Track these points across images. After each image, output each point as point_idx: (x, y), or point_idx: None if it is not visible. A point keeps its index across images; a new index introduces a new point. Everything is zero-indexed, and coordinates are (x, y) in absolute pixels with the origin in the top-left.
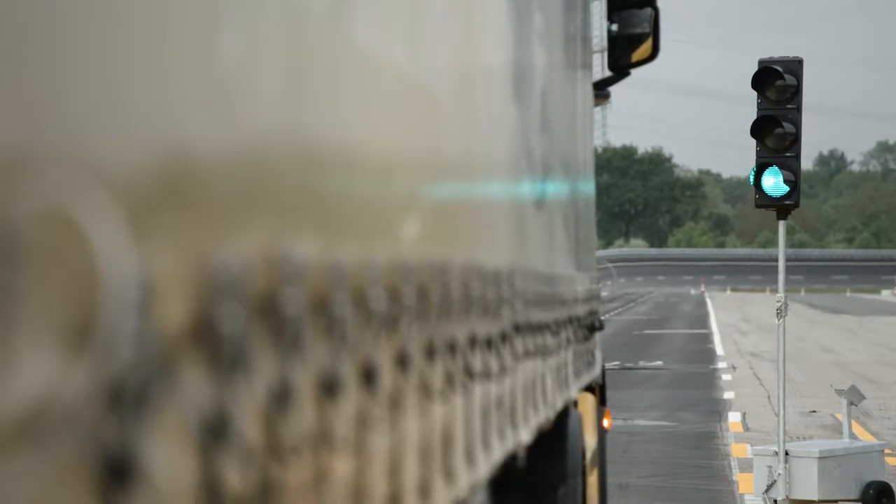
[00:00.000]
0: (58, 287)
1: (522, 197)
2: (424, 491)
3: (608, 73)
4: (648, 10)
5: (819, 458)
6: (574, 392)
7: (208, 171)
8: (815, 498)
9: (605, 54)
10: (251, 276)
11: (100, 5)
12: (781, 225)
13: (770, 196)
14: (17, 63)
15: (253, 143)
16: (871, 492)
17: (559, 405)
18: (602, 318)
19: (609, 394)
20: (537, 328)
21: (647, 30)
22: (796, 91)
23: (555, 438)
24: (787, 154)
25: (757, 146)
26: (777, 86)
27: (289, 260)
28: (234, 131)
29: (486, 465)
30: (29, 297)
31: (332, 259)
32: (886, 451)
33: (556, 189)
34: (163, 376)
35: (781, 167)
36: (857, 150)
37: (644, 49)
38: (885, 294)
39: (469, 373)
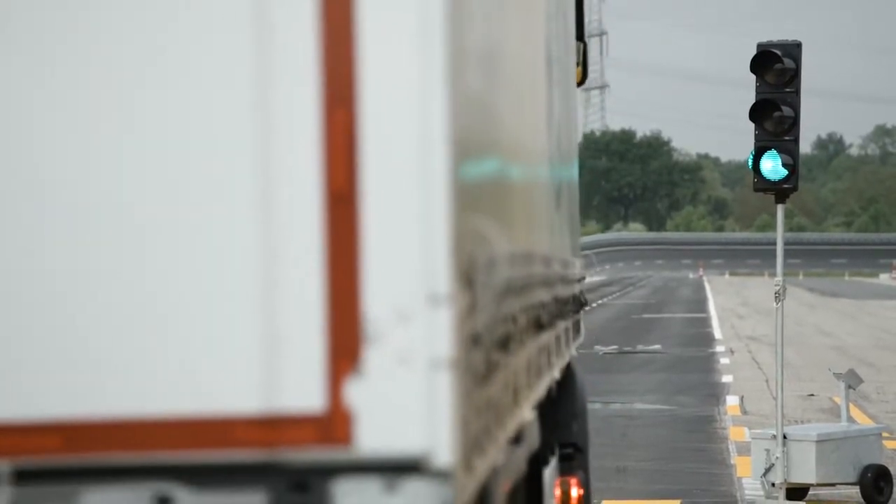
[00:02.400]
0: None
1: (552, 190)
2: (525, 395)
3: None
4: (580, 44)
5: (817, 441)
6: (573, 349)
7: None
8: (813, 481)
9: None
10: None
11: None
12: (780, 209)
13: (768, 180)
14: None
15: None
16: (868, 475)
17: (567, 358)
18: (601, 300)
19: (607, 377)
20: (562, 300)
21: (578, 60)
22: (795, 74)
23: (565, 385)
24: (786, 138)
25: (755, 130)
26: (776, 69)
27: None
28: None
29: (543, 387)
30: None
31: (523, 250)
32: (884, 434)
33: (565, 180)
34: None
35: (780, 151)
36: (855, 133)
37: (576, 73)
38: (884, 278)
39: (540, 325)
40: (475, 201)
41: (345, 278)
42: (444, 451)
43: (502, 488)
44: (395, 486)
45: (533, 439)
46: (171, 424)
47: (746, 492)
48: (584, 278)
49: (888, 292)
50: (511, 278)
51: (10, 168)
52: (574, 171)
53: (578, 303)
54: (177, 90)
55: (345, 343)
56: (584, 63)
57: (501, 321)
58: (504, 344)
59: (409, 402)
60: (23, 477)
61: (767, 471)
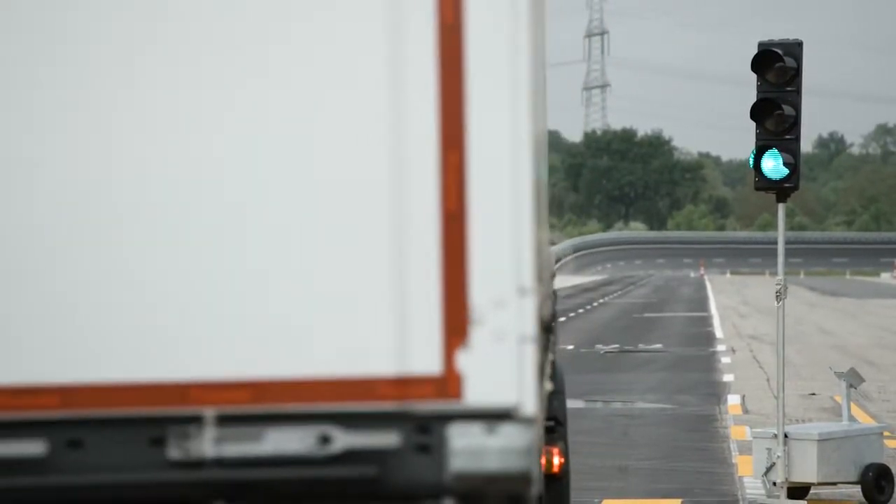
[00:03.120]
0: None
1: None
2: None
3: None
4: None
5: (818, 440)
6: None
7: None
8: (815, 480)
9: None
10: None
11: None
12: (781, 208)
13: (769, 179)
14: None
15: None
16: (870, 474)
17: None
18: (603, 299)
19: (609, 376)
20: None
21: None
22: (796, 73)
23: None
24: (787, 137)
25: (756, 129)
26: (777, 68)
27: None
28: None
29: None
30: None
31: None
32: (885, 433)
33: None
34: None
35: (781, 150)
36: (856, 132)
37: None
38: (885, 277)
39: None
40: (539, 219)
41: (456, 276)
42: (529, 404)
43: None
44: (493, 429)
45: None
46: (333, 383)
47: (748, 491)
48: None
49: (889, 291)
50: (550, 275)
51: (162, 164)
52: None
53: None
54: (331, 140)
55: (456, 324)
56: None
57: (547, 309)
58: (548, 327)
59: (503, 368)
60: (223, 420)
61: (769, 470)
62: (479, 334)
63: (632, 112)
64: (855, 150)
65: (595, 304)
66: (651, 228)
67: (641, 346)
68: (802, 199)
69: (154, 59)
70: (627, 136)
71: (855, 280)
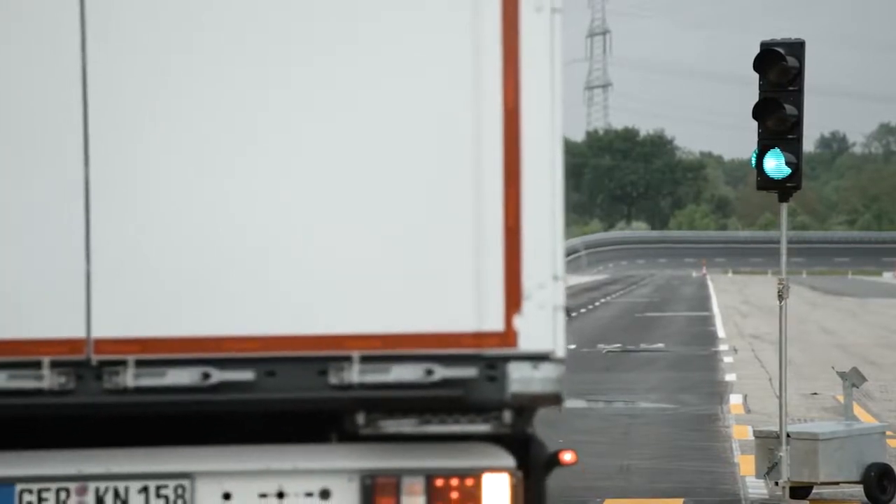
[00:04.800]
0: None
1: None
2: None
3: None
4: None
5: (820, 440)
6: None
7: None
8: (817, 480)
9: None
10: None
11: None
12: (783, 207)
13: (772, 178)
14: None
15: None
16: (872, 474)
17: None
18: (605, 298)
19: (610, 376)
20: None
21: None
22: (798, 73)
23: None
24: (789, 136)
25: (759, 128)
26: (779, 68)
27: None
28: None
29: None
30: None
31: None
32: (888, 433)
33: None
34: None
35: (783, 149)
36: (858, 132)
37: None
38: (887, 276)
39: None
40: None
41: (513, 268)
42: (560, 350)
43: None
44: (536, 366)
45: None
46: (436, 335)
47: (750, 491)
48: None
49: (891, 291)
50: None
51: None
52: None
53: None
54: (419, 158)
55: (513, 299)
56: None
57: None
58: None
59: (543, 327)
60: (364, 359)
61: (771, 469)
62: (527, 305)
63: (634, 111)
64: (857, 150)
65: (597, 303)
66: (653, 228)
67: (643, 346)
68: (804, 199)
69: (247, 58)
70: (629, 135)
71: (857, 279)
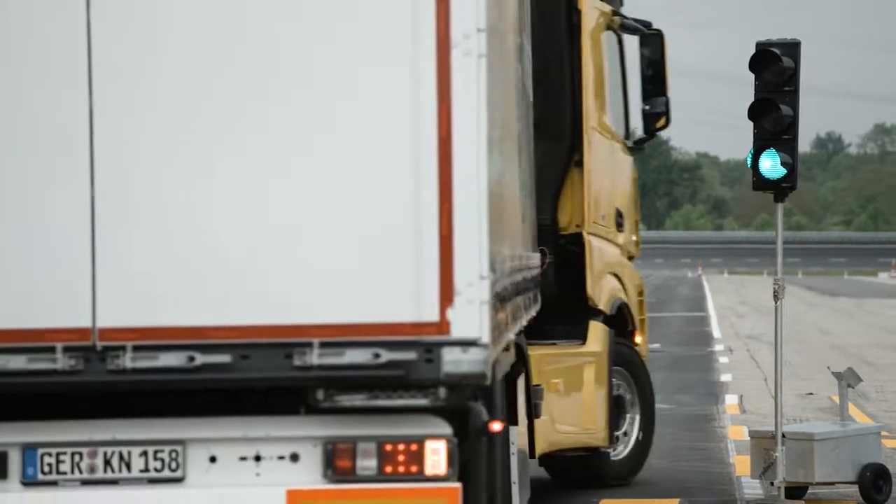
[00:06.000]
0: None
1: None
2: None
3: (644, 135)
4: (665, 98)
5: (816, 440)
6: (533, 312)
7: None
8: (812, 480)
9: (641, 123)
10: None
11: None
12: (779, 207)
13: (767, 179)
14: None
15: None
16: (867, 474)
17: (531, 313)
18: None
19: None
20: (527, 280)
21: (664, 109)
22: (794, 73)
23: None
24: (785, 136)
25: (754, 129)
26: (774, 68)
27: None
28: None
29: (520, 325)
30: None
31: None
32: (883, 433)
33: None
34: None
35: (779, 150)
36: (854, 132)
37: (663, 121)
38: (883, 276)
39: (518, 292)
40: (494, 231)
41: (447, 270)
42: (485, 337)
43: (500, 372)
44: (466, 350)
45: (510, 357)
46: (383, 325)
47: (745, 491)
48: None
49: (887, 291)
50: (511, 266)
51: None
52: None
53: (536, 282)
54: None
55: (447, 295)
56: (666, 113)
57: (504, 287)
58: (503, 298)
59: (472, 318)
60: (323, 345)
61: (766, 470)
62: (458, 300)
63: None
64: (853, 150)
65: None
66: (649, 228)
67: None
68: (800, 199)
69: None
70: None
71: (853, 280)
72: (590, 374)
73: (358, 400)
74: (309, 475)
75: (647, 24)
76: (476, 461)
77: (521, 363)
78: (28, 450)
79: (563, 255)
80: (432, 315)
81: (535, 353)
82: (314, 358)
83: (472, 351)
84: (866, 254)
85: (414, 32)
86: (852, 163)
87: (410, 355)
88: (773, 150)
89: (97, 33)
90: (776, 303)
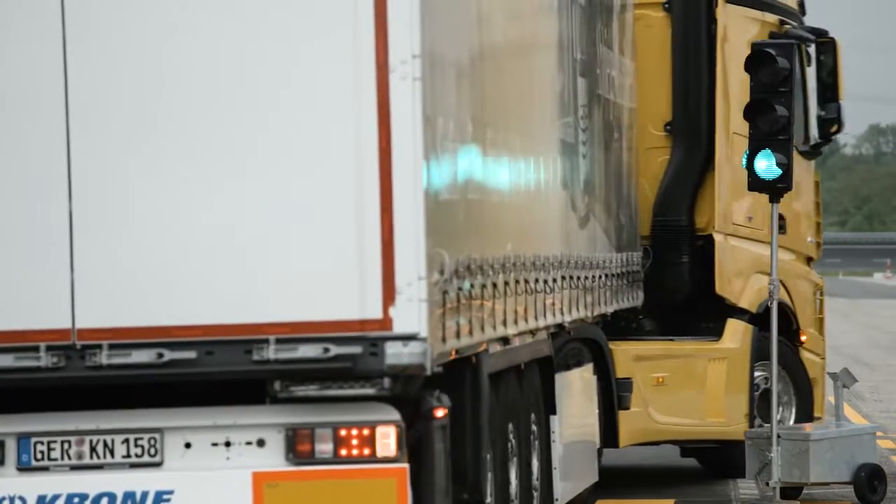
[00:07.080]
0: None
1: (564, 190)
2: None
3: (819, 140)
4: (837, 104)
5: (811, 440)
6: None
7: None
8: (807, 481)
9: (816, 129)
10: None
11: None
12: (774, 208)
13: (762, 179)
14: None
15: None
16: (862, 474)
17: (571, 316)
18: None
19: None
20: (575, 278)
21: (836, 115)
22: (789, 74)
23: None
24: (780, 137)
25: (750, 129)
26: (770, 69)
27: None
28: None
29: (533, 325)
30: None
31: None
32: (878, 433)
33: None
34: None
35: (774, 150)
36: (849, 133)
37: (836, 126)
38: (878, 277)
39: (528, 291)
40: (444, 234)
41: (388, 272)
42: (423, 331)
43: (490, 365)
44: (406, 344)
45: (538, 352)
46: (332, 322)
47: (741, 491)
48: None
49: (882, 291)
50: (470, 266)
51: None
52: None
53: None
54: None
55: (389, 294)
56: (839, 119)
57: (458, 288)
58: (470, 297)
59: (412, 315)
60: (279, 341)
61: (761, 470)
62: (399, 299)
63: None
64: (848, 151)
65: None
66: None
67: None
68: None
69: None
70: None
71: (848, 280)
72: (719, 369)
73: (311, 390)
74: (273, 459)
75: (823, 33)
76: (427, 444)
77: (581, 356)
78: (23, 439)
79: (700, 256)
80: (376, 312)
81: (632, 347)
82: (271, 353)
83: (412, 345)
84: (862, 254)
85: (355, 58)
86: (847, 163)
87: (357, 349)
88: (768, 151)
89: (71, 41)
90: (771, 303)
